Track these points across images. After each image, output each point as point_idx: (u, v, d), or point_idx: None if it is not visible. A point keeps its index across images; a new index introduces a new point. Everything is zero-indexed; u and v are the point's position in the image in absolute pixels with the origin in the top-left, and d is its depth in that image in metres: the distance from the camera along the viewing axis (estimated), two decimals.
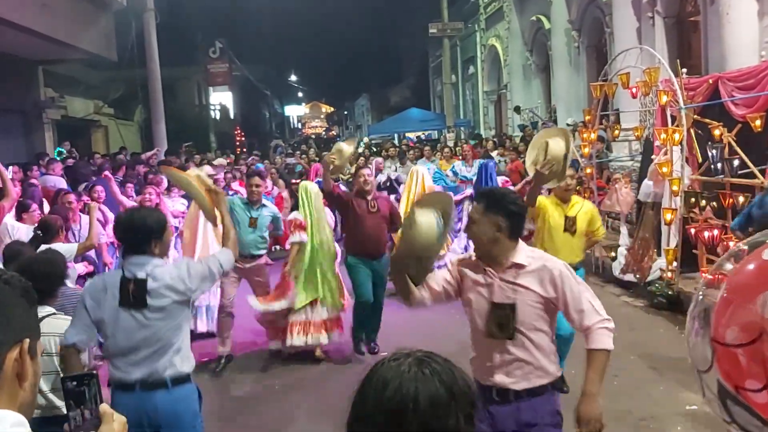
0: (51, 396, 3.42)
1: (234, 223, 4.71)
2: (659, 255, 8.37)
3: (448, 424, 1.36)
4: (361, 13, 41.54)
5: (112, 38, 16.00)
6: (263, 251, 6.89)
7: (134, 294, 3.24)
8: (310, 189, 6.80)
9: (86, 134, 19.76)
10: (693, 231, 7.78)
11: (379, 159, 14.51)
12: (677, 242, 7.82)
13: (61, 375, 3.26)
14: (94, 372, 1.64)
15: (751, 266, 1.85)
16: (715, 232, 7.49)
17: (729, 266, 2.00)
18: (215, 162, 14.18)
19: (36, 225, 5.94)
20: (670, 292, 7.78)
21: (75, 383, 1.54)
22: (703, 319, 2.08)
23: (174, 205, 10.51)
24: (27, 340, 1.34)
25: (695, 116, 8.23)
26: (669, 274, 7.94)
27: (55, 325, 3.49)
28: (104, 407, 1.54)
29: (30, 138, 15.47)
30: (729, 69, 8.75)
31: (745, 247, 2.06)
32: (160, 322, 3.26)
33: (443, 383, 1.38)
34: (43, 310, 3.49)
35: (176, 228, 10.27)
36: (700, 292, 2.14)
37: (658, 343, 6.77)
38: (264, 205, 6.92)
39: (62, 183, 9.77)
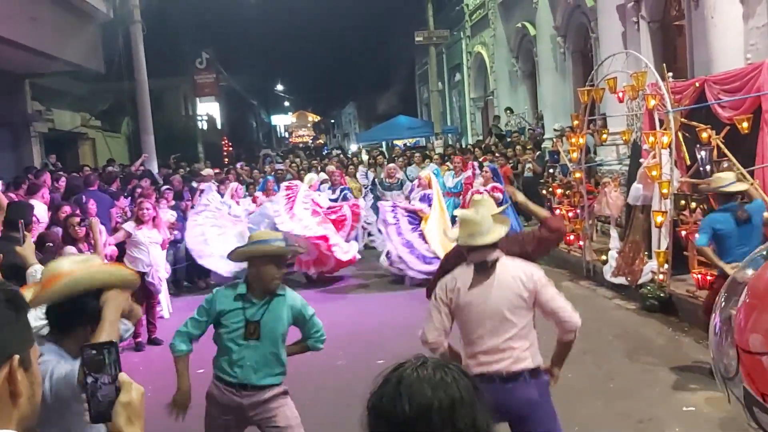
0: None
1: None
2: (650, 258, 8.43)
3: (472, 423, 1.41)
4: (347, 22, 41.60)
5: (98, 50, 15.96)
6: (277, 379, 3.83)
7: None
8: None
9: (74, 147, 19.66)
10: (683, 233, 7.85)
11: (391, 165, 14.28)
12: (668, 244, 7.89)
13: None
14: (114, 341, 1.62)
15: None
16: None
17: (750, 272, 2.01)
18: (203, 172, 14.12)
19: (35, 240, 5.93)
20: (661, 295, 7.84)
21: (94, 351, 1.51)
22: (727, 326, 2.07)
23: (164, 216, 10.49)
24: (16, 357, 1.29)
25: (682, 119, 8.32)
26: (660, 277, 8.01)
27: None
28: (123, 376, 1.51)
29: (17, 151, 15.38)
30: (715, 72, 8.85)
31: (764, 253, 2.09)
32: None
33: (466, 385, 1.44)
34: None
35: (168, 240, 10.27)
36: (722, 299, 2.15)
37: (652, 346, 6.82)
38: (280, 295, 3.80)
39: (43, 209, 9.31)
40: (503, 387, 3.39)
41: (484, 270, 3.49)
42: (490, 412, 1.46)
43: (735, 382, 1.97)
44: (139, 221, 8.29)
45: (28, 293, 2.42)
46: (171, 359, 3.85)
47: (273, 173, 15.71)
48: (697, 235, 6.19)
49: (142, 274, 7.90)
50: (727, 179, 6.13)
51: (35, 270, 3.86)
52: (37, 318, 2.75)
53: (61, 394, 2.35)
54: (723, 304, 2.18)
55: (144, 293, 8.06)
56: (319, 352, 4.00)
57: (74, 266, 2.49)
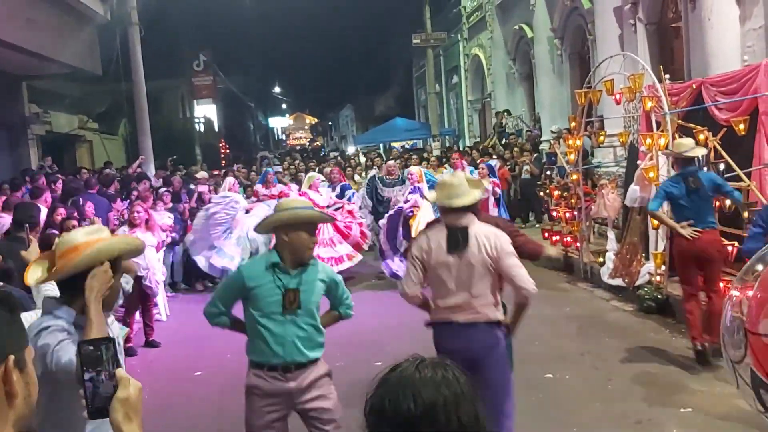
0: None
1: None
2: (647, 259, 8.44)
3: (475, 417, 1.44)
4: (344, 24, 41.70)
5: (96, 52, 15.95)
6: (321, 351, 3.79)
7: None
8: None
9: (71, 149, 19.67)
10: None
11: (391, 162, 12.90)
12: (665, 246, 7.89)
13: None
14: (111, 336, 1.62)
15: None
16: None
17: (760, 267, 2.15)
18: (198, 175, 14.09)
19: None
20: (659, 296, 7.84)
21: (92, 347, 1.52)
22: (739, 314, 2.21)
23: (161, 218, 10.49)
24: (11, 357, 1.30)
25: (680, 121, 8.33)
26: (657, 278, 8.02)
27: None
28: (121, 372, 1.52)
29: (15, 153, 15.37)
30: (712, 74, 8.87)
31: None
32: None
33: (466, 381, 1.47)
34: None
35: (163, 242, 10.26)
36: (734, 290, 2.28)
37: (649, 347, 6.82)
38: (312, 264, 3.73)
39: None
40: (463, 332, 3.93)
41: (455, 233, 3.89)
42: (485, 406, 1.49)
43: (743, 366, 2.08)
44: (132, 225, 8.28)
45: (36, 269, 2.67)
46: (168, 361, 3.86)
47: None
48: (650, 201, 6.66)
49: (139, 278, 7.89)
50: (687, 145, 6.46)
51: None
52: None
53: (60, 381, 2.42)
54: (735, 292, 2.30)
55: (140, 296, 8.05)
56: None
57: (90, 237, 2.62)
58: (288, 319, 3.54)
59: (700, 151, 6.63)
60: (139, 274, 7.95)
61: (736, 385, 2.11)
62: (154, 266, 8.42)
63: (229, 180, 12.28)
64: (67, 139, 19.17)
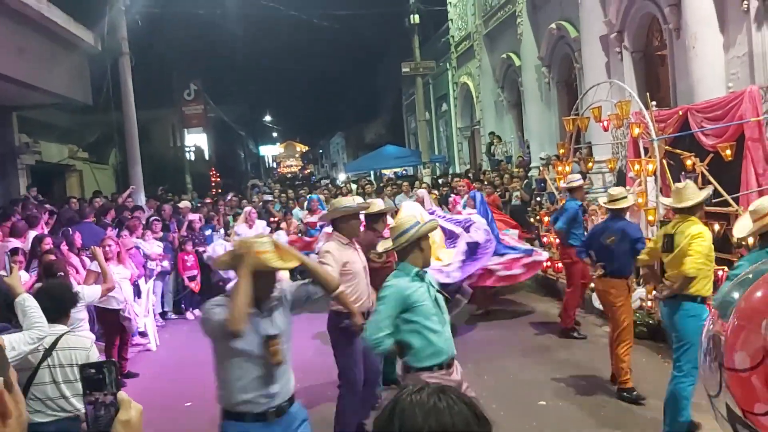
0: (73, 401, 3.88)
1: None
2: (638, 285, 8.46)
3: None
4: (335, 53, 42.06)
5: (86, 81, 15.98)
6: None
7: None
8: None
9: (61, 179, 19.59)
10: None
11: (422, 191, 12.11)
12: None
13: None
14: (114, 360, 1.64)
15: (759, 293, 1.97)
16: None
17: (736, 294, 2.11)
18: (180, 205, 13.95)
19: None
20: (650, 321, 7.85)
21: (94, 370, 1.53)
22: (712, 346, 2.20)
23: (151, 248, 10.46)
24: (1, 380, 1.32)
25: (667, 147, 8.42)
26: (649, 304, 8.03)
27: (74, 341, 4.02)
28: (122, 394, 1.53)
29: (4, 183, 15.29)
30: (697, 101, 8.99)
31: (750, 276, 2.17)
32: None
33: (470, 409, 1.43)
34: (59, 328, 4.01)
35: (152, 270, 10.22)
36: (710, 321, 2.27)
37: (642, 373, 6.79)
38: None
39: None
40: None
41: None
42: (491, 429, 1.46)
43: (719, 399, 2.08)
44: (104, 258, 8.22)
45: (276, 257, 3.44)
46: (158, 391, 3.86)
47: (262, 204, 15.76)
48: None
49: (116, 311, 7.83)
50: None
51: (23, 299, 3.94)
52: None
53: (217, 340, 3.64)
54: (711, 326, 2.28)
55: (117, 329, 7.96)
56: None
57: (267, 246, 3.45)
58: (443, 317, 3.97)
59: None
60: (116, 308, 7.86)
61: (714, 416, 2.12)
62: (130, 299, 8.33)
63: (246, 210, 12.41)
64: (57, 168, 19.11)
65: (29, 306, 3.90)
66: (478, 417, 1.44)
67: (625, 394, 6.13)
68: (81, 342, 4.06)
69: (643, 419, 5.63)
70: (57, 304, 4.13)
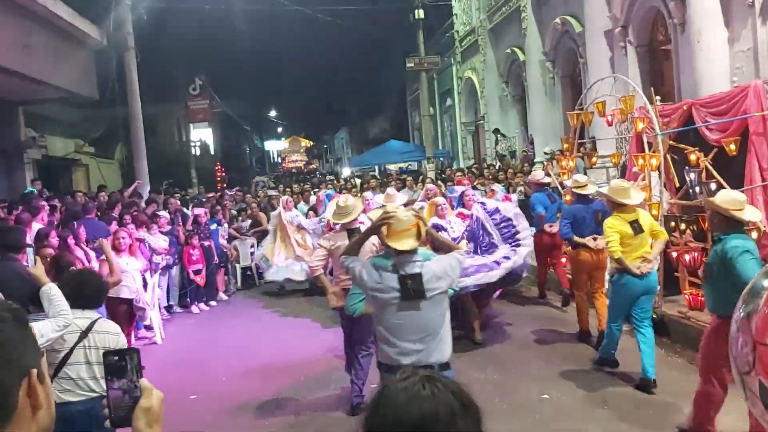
0: (103, 382, 3.83)
1: None
2: None
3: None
4: (339, 48, 42.03)
5: (92, 76, 16.05)
6: None
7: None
8: None
9: (67, 173, 19.67)
10: (674, 254, 7.91)
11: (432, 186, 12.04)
12: (659, 266, 7.92)
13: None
14: (136, 347, 1.68)
15: None
16: (696, 254, 7.64)
17: (766, 282, 2.35)
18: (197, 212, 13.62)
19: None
20: (654, 316, 7.84)
21: (117, 357, 1.57)
22: (746, 326, 2.36)
23: (157, 242, 10.51)
24: (34, 371, 1.32)
25: (671, 142, 8.41)
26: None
27: (107, 325, 4.29)
28: (144, 382, 1.57)
29: (11, 178, 15.38)
30: (701, 95, 8.97)
31: None
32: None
33: (456, 397, 1.44)
34: (92, 315, 4.24)
35: (157, 264, 10.27)
36: (741, 303, 2.43)
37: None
38: None
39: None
40: None
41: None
42: (482, 418, 1.46)
43: (752, 377, 2.17)
44: (117, 250, 8.28)
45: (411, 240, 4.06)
46: (163, 384, 3.88)
47: (267, 199, 15.80)
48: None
49: (129, 300, 7.97)
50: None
51: (49, 288, 4.11)
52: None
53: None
54: (742, 307, 2.42)
55: (127, 320, 8.02)
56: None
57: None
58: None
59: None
60: (129, 297, 7.97)
61: (744, 397, 2.20)
62: (141, 290, 8.44)
63: (284, 199, 12.84)
64: (63, 163, 19.18)
65: (55, 295, 4.05)
66: (465, 405, 1.43)
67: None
68: (113, 327, 4.32)
69: (646, 414, 5.65)
70: (92, 291, 4.35)
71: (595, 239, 7.61)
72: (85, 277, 4.50)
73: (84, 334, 4.10)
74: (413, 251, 4.06)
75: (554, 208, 9.48)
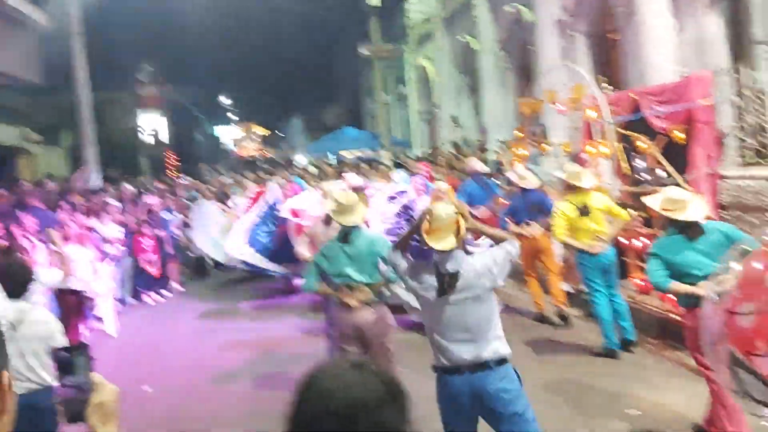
0: (41, 372, 4.01)
1: None
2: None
3: (394, 421, 1.41)
4: (292, 34, 41.55)
5: (35, 61, 15.55)
6: None
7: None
8: None
9: (11, 161, 19.10)
10: (625, 240, 8.07)
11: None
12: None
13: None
14: (86, 343, 1.65)
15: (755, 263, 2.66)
16: (645, 240, 7.82)
17: (737, 266, 2.73)
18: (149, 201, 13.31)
19: None
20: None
21: (67, 354, 1.55)
22: (718, 298, 2.74)
23: (110, 231, 10.32)
24: (6, 374, 1.27)
25: (620, 130, 8.59)
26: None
27: (37, 315, 4.19)
28: (96, 376, 1.55)
29: None
30: (649, 84, 9.16)
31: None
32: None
33: (384, 383, 1.44)
34: (21, 305, 4.15)
35: (108, 254, 10.09)
36: (716, 281, 2.86)
37: (597, 353, 6.90)
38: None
39: None
40: None
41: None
42: (408, 405, 1.46)
43: (722, 347, 2.39)
44: (66, 239, 8.10)
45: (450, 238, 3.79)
46: (117, 377, 3.82)
47: (220, 187, 15.61)
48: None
49: (77, 291, 7.79)
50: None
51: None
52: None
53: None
54: (715, 285, 2.81)
55: (76, 311, 7.86)
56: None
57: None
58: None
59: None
60: (79, 289, 7.79)
61: (712, 368, 2.41)
62: (91, 279, 8.28)
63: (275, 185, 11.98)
64: (8, 151, 18.63)
65: None
66: (394, 395, 1.43)
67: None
68: (44, 316, 4.26)
69: (596, 398, 5.76)
70: (16, 280, 4.24)
71: (527, 224, 8.04)
72: (9, 266, 4.36)
73: (13, 326, 3.98)
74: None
75: (483, 196, 9.75)
